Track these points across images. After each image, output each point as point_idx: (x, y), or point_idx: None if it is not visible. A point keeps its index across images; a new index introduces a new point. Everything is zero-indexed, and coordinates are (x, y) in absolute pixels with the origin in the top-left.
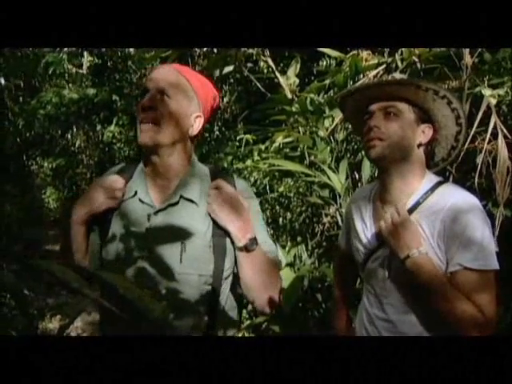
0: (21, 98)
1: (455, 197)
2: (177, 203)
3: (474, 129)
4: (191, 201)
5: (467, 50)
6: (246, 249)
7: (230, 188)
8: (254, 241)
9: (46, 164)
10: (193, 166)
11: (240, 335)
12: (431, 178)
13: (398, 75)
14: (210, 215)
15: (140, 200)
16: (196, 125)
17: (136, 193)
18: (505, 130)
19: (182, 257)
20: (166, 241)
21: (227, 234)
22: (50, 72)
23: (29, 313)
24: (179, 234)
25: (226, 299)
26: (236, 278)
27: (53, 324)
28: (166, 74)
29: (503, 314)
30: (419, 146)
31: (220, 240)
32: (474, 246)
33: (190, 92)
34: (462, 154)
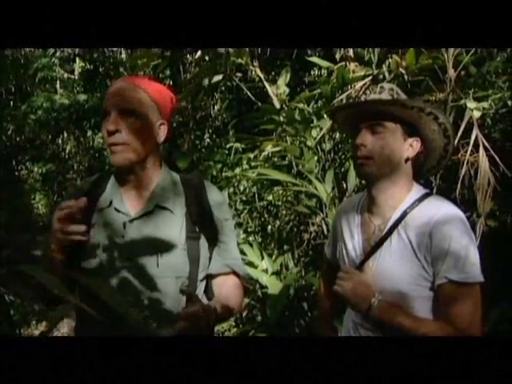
0: (11, 103)
1: (441, 210)
2: (151, 212)
3: (456, 141)
4: (166, 208)
5: (451, 64)
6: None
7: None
8: (214, 311)
9: (35, 169)
10: (164, 174)
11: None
12: (418, 190)
13: (386, 85)
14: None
15: (116, 209)
16: (161, 132)
17: (111, 202)
18: (485, 143)
19: (158, 261)
20: (142, 247)
21: (199, 237)
22: (41, 77)
23: (11, 319)
24: (155, 241)
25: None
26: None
27: (38, 330)
28: (123, 91)
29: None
30: (406, 160)
31: (193, 243)
32: (459, 260)
33: (149, 102)
34: (446, 164)
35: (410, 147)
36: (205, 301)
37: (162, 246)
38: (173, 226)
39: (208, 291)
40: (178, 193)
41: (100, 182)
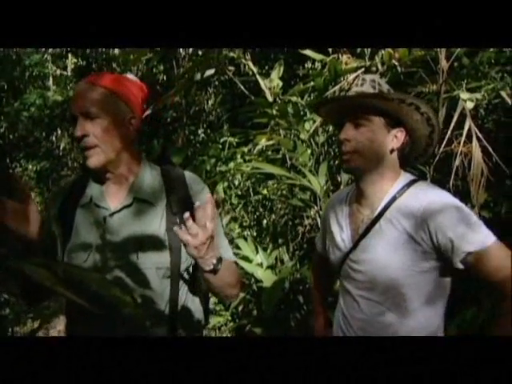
0: (4, 100)
1: (430, 193)
2: (131, 205)
3: (449, 132)
4: (145, 201)
5: (443, 55)
6: (214, 271)
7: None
8: (219, 260)
9: (30, 166)
10: (144, 167)
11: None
12: (406, 177)
13: (368, 76)
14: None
15: (96, 204)
16: (132, 127)
17: (91, 198)
18: (478, 133)
19: (138, 254)
20: (123, 240)
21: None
22: (34, 74)
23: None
24: (134, 233)
25: (187, 295)
26: (199, 276)
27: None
28: (83, 94)
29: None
30: (392, 151)
31: (174, 235)
32: (467, 233)
33: (112, 99)
34: (438, 155)
35: (394, 138)
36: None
37: (142, 239)
38: (153, 217)
39: (195, 282)
40: (158, 185)
41: (82, 180)
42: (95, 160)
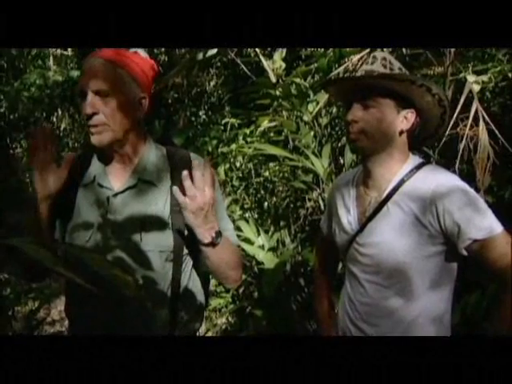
0: (4, 79)
1: (440, 176)
2: (135, 186)
3: (455, 114)
4: (149, 182)
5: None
6: (212, 244)
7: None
8: (218, 234)
9: None
10: (149, 147)
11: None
12: (415, 160)
13: (379, 54)
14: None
15: (99, 184)
16: (142, 107)
17: (95, 178)
18: (486, 116)
19: (141, 236)
20: (126, 222)
21: None
22: (34, 53)
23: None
24: (138, 215)
25: (190, 276)
26: (200, 257)
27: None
28: (97, 70)
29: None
30: (401, 133)
31: (178, 217)
32: (473, 218)
33: (125, 78)
34: (444, 138)
35: (404, 119)
36: (195, 277)
37: (145, 221)
38: (157, 199)
39: (198, 266)
40: (163, 166)
41: (84, 159)
42: (102, 138)
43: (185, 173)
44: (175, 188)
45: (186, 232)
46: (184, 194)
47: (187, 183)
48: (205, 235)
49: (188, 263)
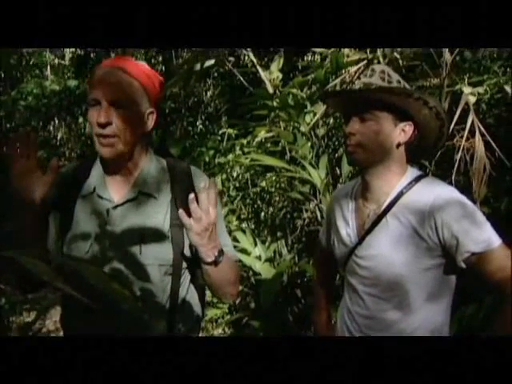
0: (1, 89)
1: (438, 189)
2: (135, 198)
3: (452, 126)
4: (149, 195)
5: (447, 49)
6: (215, 263)
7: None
8: (221, 253)
9: None
10: (149, 160)
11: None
12: (413, 172)
13: (377, 67)
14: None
15: (98, 196)
16: (150, 121)
17: (95, 189)
18: (482, 128)
19: (141, 249)
20: (125, 234)
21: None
22: (32, 62)
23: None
24: (138, 228)
25: (188, 289)
26: (200, 272)
27: (29, 319)
28: (112, 80)
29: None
30: (398, 145)
31: (178, 230)
32: (471, 231)
33: (139, 91)
34: (440, 150)
35: (401, 132)
36: (193, 291)
37: (145, 234)
38: (157, 212)
39: (196, 279)
40: (164, 179)
41: (83, 168)
42: (113, 150)
43: (191, 196)
44: (181, 211)
45: (186, 247)
46: (189, 215)
47: (193, 206)
48: (208, 254)
49: (186, 276)
